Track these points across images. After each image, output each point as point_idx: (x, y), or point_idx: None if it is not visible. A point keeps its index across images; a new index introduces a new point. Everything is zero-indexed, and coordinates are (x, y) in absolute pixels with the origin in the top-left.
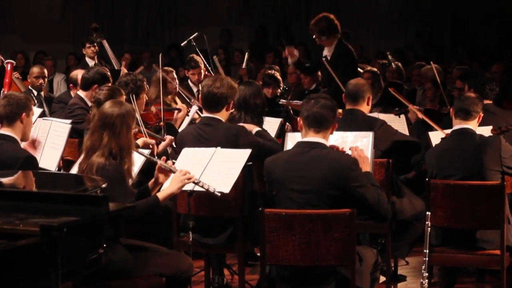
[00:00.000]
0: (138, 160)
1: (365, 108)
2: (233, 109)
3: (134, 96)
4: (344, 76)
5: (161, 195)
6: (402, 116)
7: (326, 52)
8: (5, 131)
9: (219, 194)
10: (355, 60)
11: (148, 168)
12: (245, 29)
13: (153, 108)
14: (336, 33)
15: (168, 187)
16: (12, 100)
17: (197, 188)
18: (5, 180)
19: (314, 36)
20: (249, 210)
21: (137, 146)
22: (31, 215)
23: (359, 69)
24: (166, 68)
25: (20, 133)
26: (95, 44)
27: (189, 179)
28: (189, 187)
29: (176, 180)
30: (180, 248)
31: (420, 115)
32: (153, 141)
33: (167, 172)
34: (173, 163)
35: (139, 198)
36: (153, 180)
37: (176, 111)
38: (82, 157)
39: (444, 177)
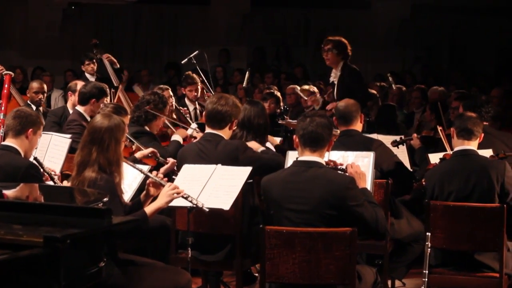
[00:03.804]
0: (137, 177)
1: (358, 126)
2: (236, 127)
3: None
4: (355, 93)
5: (148, 210)
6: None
7: (333, 77)
8: (9, 142)
9: (207, 210)
10: (361, 78)
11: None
12: (244, 49)
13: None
14: (346, 57)
15: (156, 201)
16: (23, 114)
17: (186, 203)
18: (9, 192)
19: (325, 47)
20: (248, 227)
21: (134, 160)
22: (34, 226)
23: None
24: (162, 86)
25: (24, 148)
26: (95, 61)
27: (178, 193)
28: (178, 202)
29: (164, 195)
30: (178, 264)
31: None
32: (149, 150)
33: (158, 185)
34: (173, 180)
35: (132, 211)
36: (144, 192)
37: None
38: (73, 173)
39: (444, 198)
